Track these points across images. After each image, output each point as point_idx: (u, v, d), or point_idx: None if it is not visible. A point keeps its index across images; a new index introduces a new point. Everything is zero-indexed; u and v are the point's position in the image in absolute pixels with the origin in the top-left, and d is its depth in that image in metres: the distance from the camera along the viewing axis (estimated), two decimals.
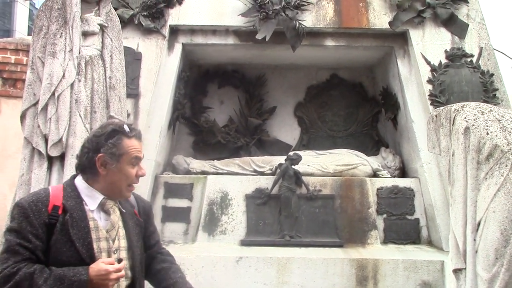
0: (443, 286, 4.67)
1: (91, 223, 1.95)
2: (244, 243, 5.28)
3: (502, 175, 3.03)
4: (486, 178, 3.11)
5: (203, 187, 5.59)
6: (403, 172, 6.25)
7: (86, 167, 2.02)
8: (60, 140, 3.86)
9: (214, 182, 5.59)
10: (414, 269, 4.77)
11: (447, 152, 3.50)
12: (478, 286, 3.08)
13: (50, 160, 3.93)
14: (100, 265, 1.87)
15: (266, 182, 5.57)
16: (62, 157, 3.91)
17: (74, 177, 2.08)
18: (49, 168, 3.93)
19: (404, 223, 5.54)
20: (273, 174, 5.74)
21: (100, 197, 2.01)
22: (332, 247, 5.20)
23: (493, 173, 3.08)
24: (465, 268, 3.21)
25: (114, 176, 2.00)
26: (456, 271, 3.29)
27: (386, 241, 5.47)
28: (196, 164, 6.14)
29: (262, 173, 5.88)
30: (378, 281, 4.74)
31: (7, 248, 1.85)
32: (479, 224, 3.09)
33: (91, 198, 1.99)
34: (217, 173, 5.92)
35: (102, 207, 2.02)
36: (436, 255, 4.99)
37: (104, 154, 1.99)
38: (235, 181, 5.62)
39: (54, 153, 3.88)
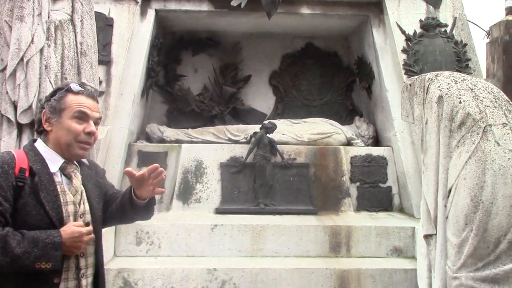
0: (413, 252, 4.79)
1: (58, 187, 1.93)
2: (218, 211, 5.30)
3: (473, 143, 3.08)
4: (458, 146, 3.17)
5: (177, 155, 5.56)
6: (376, 141, 6.32)
7: (38, 126, 2.05)
8: (30, 107, 3.76)
9: (189, 151, 5.56)
10: (386, 235, 4.87)
11: (420, 121, 3.54)
12: (448, 250, 3.17)
13: (20, 127, 3.84)
14: (73, 228, 1.86)
15: (241, 151, 5.57)
16: (32, 125, 3.81)
17: (33, 141, 2.05)
18: (19, 135, 3.84)
19: (376, 191, 5.64)
20: (248, 142, 5.74)
21: (61, 160, 1.99)
22: (306, 214, 5.26)
23: (465, 141, 3.13)
24: (435, 234, 3.28)
25: (58, 131, 1.98)
26: (427, 237, 3.37)
27: (359, 208, 5.57)
28: (170, 133, 6.09)
29: (237, 142, 5.87)
30: (351, 247, 4.84)
31: None
32: (450, 190, 3.16)
33: (52, 161, 1.97)
34: (192, 142, 5.89)
35: (63, 171, 2.00)
36: (407, 222, 5.10)
37: (46, 109, 2.00)
38: (209, 149, 5.60)
39: (24, 120, 3.79)
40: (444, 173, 3.21)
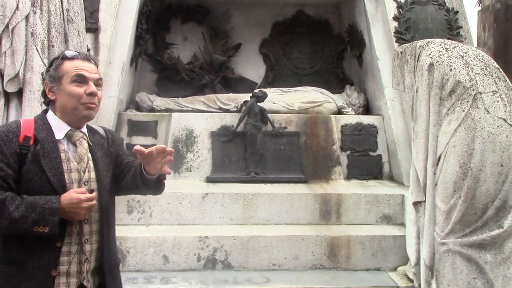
0: (402, 219, 4.86)
1: (62, 155, 1.99)
2: (209, 179, 5.31)
3: (463, 111, 3.10)
4: (448, 114, 3.18)
5: (167, 124, 5.53)
6: (367, 109, 6.32)
7: (44, 98, 2.11)
8: (17, 75, 3.72)
9: (179, 120, 5.53)
10: (375, 203, 4.93)
11: (411, 89, 3.54)
12: (436, 217, 3.22)
13: (7, 96, 3.80)
14: (72, 194, 1.91)
15: (231, 120, 5.55)
16: (20, 93, 3.77)
17: (45, 111, 2.11)
18: (6, 104, 3.81)
19: (367, 159, 5.67)
20: (238, 111, 5.71)
21: (66, 128, 2.05)
22: (297, 183, 5.30)
23: (455, 109, 3.14)
24: (424, 201, 3.33)
25: (62, 98, 2.03)
26: (416, 204, 3.41)
27: (349, 176, 5.60)
28: (160, 102, 6.05)
29: (227, 111, 5.84)
30: (341, 214, 4.89)
31: None
32: (439, 158, 3.19)
33: (58, 129, 2.03)
34: (182, 111, 5.85)
35: (69, 139, 2.06)
36: (397, 190, 5.15)
37: (47, 79, 2.07)
38: (200, 118, 5.57)
39: (11, 89, 3.76)
40: (434, 141, 3.23)
